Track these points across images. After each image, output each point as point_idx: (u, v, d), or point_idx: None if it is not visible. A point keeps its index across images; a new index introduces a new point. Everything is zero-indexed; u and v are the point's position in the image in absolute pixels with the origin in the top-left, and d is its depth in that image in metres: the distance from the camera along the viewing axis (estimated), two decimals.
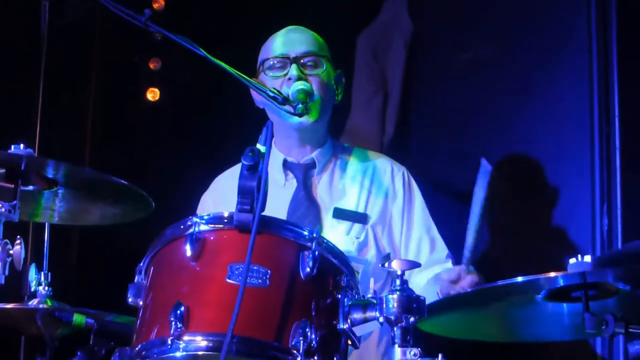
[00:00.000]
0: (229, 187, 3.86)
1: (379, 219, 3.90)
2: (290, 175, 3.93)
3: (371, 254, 3.85)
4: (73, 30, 4.80)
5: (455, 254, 3.79)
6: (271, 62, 3.89)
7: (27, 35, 4.39)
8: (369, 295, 2.83)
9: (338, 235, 3.82)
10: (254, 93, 3.96)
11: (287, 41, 3.94)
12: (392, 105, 5.01)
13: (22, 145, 3.04)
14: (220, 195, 4.01)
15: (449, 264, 3.87)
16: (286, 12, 4.98)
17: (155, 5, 5.02)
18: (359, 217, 3.88)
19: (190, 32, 3.47)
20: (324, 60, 3.90)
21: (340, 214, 3.86)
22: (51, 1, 4.11)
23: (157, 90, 5.18)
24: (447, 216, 4.04)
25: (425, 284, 3.78)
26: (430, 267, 3.83)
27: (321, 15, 4.94)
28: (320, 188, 3.92)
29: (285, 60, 3.86)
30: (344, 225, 3.85)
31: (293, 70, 3.81)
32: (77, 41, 4.91)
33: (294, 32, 3.99)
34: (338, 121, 4.18)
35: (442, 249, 3.94)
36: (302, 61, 3.85)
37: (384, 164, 4.04)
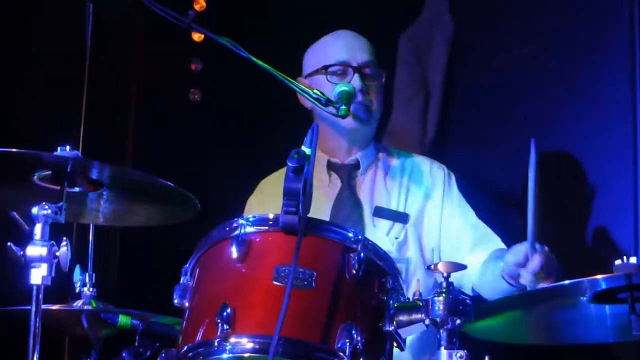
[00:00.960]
0: (274, 190, 3.84)
1: (419, 218, 3.93)
2: (334, 175, 3.98)
3: (411, 253, 3.87)
4: (116, 31, 4.81)
5: None
6: (334, 68, 3.93)
7: (70, 37, 4.41)
8: (412, 295, 2.85)
9: (378, 234, 3.85)
10: (298, 96, 3.98)
11: (347, 47, 3.98)
12: (433, 105, 4.99)
13: (68, 148, 3.06)
14: (266, 198, 4.06)
15: (499, 243, 3.87)
16: (327, 11, 4.96)
17: (197, 7, 5.02)
18: (399, 217, 3.91)
19: (231, 33, 3.49)
20: (382, 71, 3.97)
21: (381, 212, 3.90)
22: (95, 2, 4.13)
23: (199, 92, 5.19)
24: (491, 216, 4.03)
25: (482, 268, 3.79)
26: (477, 249, 3.86)
27: (362, 14, 4.95)
28: (364, 188, 3.97)
29: (347, 68, 3.90)
30: (384, 224, 3.89)
31: (356, 81, 3.86)
32: (119, 42, 4.92)
33: (352, 37, 4.05)
34: (380, 122, 4.17)
35: (487, 232, 3.94)
36: (364, 71, 3.91)
37: (424, 164, 4.08)
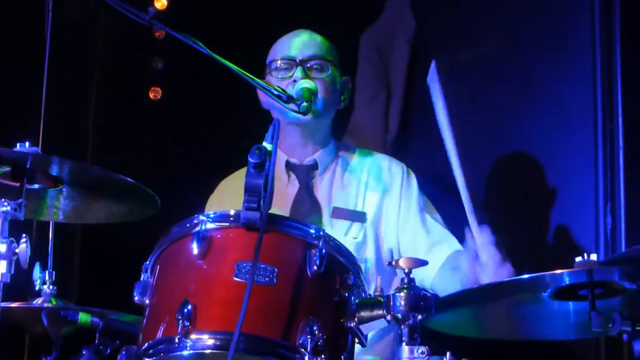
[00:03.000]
0: (234, 189, 3.79)
1: (377, 216, 3.94)
2: (293, 176, 3.99)
3: (370, 253, 3.89)
4: (76, 28, 4.80)
5: None
6: (278, 64, 3.96)
7: (30, 34, 4.39)
8: (373, 291, 2.86)
9: (336, 235, 3.77)
10: (260, 94, 4.02)
11: (294, 44, 4.01)
12: (395, 103, 5.01)
13: (27, 144, 3.03)
14: (225, 197, 4.06)
15: (456, 244, 3.88)
16: (290, 12, 4.99)
17: (158, 5, 5.02)
18: (357, 216, 3.93)
19: (193, 32, 3.48)
20: (329, 64, 3.96)
21: (339, 213, 3.92)
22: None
23: (159, 90, 5.19)
24: (452, 214, 4.04)
25: (440, 272, 3.82)
26: (434, 249, 3.88)
27: (324, 14, 4.97)
28: (322, 189, 3.97)
29: (292, 63, 3.93)
30: (342, 225, 3.90)
31: (298, 72, 3.87)
32: (79, 39, 4.92)
33: (302, 35, 4.07)
34: (342, 121, 4.19)
35: (441, 232, 3.96)
36: (308, 64, 3.92)
37: (383, 161, 4.09)
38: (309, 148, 3.99)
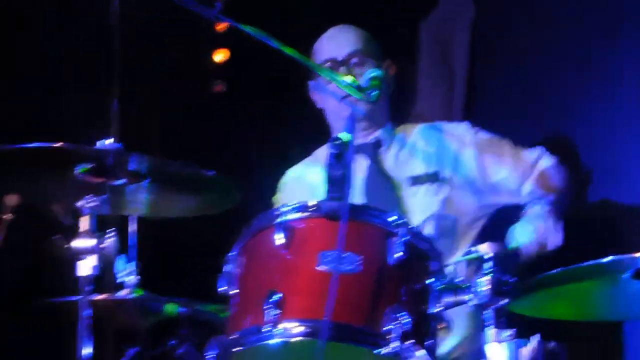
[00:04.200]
0: (303, 179, 4.18)
1: (453, 172, 4.07)
2: (359, 156, 4.09)
3: (456, 207, 4.03)
4: (143, 23, 4.91)
5: None
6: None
7: (98, 32, 4.50)
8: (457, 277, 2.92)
9: (419, 200, 4.01)
10: (313, 94, 4.25)
11: (333, 44, 4.21)
12: (458, 91, 5.06)
13: (108, 140, 3.13)
14: (296, 186, 4.20)
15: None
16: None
17: None
18: (433, 177, 4.07)
19: (257, 25, 3.55)
20: (367, 57, 4.14)
21: (415, 180, 4.05)
22: None
23: (222, 83, 5.27)
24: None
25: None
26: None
27: (383, 3, 5.04)
28: (389, 163, 4.12)
29: (335, 64, 4.11)
30: (422, 189, 4.03)
31: (343, 71, 4.05)
32: (146, 36, 5.03)
33: (337, 32, 4.27)
34: (403, 109, 4.27)
35: (528, 153, 4.15)
36: (350, 62, 4.10)
37: (444, 126, 4.26)
38: (369, 131, 4.14)
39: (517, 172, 4.08)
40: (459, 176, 4.05)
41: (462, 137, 4.16)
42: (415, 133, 4.20)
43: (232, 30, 3.58)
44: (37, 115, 4.79)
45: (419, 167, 4.08)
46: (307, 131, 4.64)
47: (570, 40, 4.63)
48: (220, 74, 5.22)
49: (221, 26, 5.06)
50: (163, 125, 5.17)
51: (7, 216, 3.51)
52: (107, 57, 4.31)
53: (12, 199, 3.42)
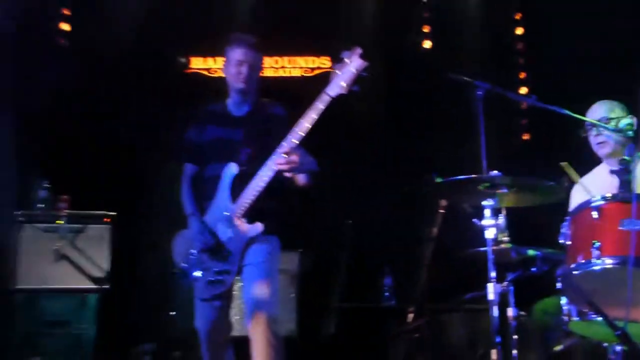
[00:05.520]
0: (597, 182, 6.01)
1: None
2: (615, 178, 5.53)
3: None
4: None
5: None
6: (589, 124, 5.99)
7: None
8: None
9: None
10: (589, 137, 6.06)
11: (595, 112, 6.03)
12: None
13: (497, 172, 5.23)
14: (591, 187, 5.93)
15: None
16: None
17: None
18: None
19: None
20: (611, 120, 5.90)
21: None
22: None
23: None
24: None
25: None
26: None
27: None
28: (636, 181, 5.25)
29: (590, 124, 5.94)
30: None
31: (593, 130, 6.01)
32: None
33: (602, 104, 6.02)
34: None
35: None
36: (600, 123, 5.84)
37: None
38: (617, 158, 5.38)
39: None
40: None
41: None
42: None
43: None
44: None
45: None
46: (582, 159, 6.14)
47: None
48: None
49: None
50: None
51: (441, 212, 5.96)
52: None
53: (442, 202, 5.88)
